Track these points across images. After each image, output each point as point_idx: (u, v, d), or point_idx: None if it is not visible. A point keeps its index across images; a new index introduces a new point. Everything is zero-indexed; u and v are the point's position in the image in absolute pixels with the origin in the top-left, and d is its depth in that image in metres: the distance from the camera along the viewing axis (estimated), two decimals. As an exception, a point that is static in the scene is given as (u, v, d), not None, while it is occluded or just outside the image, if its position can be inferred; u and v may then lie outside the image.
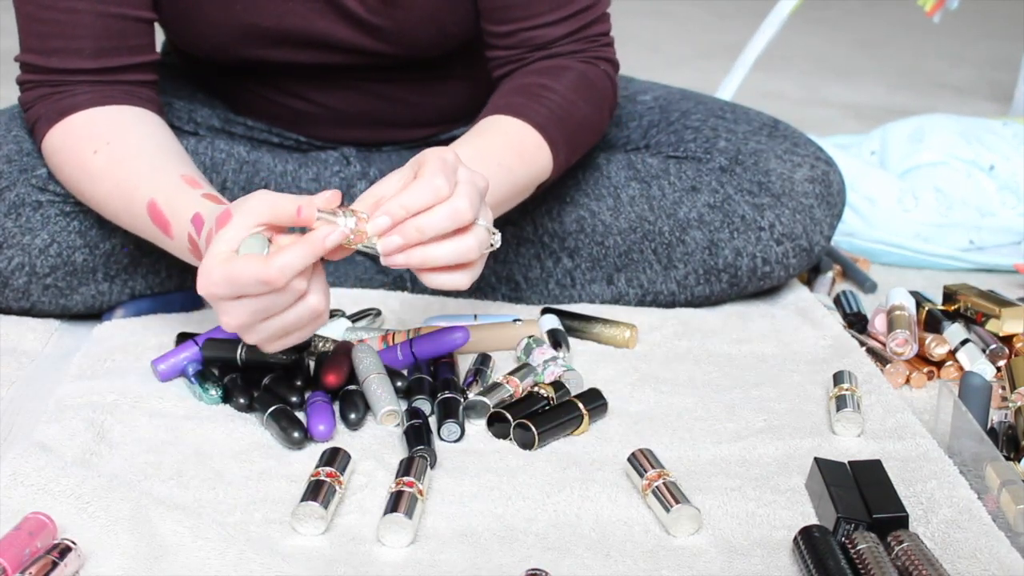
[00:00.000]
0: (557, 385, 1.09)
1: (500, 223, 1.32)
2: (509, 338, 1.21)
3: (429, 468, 0.97)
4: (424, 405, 1.07)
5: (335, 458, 0.95)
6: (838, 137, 1.95)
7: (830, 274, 1.49)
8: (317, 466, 0.94)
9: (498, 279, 1.34)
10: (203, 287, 0.95)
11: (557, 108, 1.17)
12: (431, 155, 0.98)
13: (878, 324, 1.32)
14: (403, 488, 0.91)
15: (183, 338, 1.17)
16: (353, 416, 1.05)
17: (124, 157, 1.11)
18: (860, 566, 0.84)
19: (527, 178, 1.15)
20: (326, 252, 0.95)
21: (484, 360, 1.16)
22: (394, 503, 0.90)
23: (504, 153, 1.12)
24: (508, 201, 1.14)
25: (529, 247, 1.33)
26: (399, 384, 1.10)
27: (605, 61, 1.24)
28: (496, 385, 1.10)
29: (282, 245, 0.95)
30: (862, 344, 1.27)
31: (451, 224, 0.95)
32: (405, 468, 0.94)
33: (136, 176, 1.09)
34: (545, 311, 1.28)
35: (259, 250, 0.94)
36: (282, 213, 0.96)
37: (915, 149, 1.71)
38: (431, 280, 0.98)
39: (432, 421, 1.05)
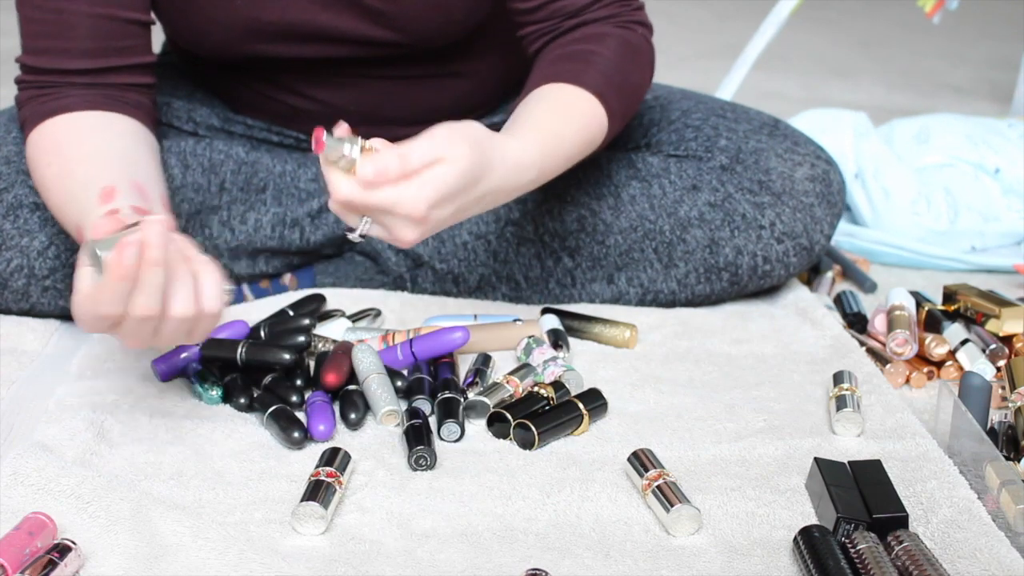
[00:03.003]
0: (557, 385, 1.09)
1: (502, 223, 1.33)
2: (509, 338, 1.21)
3: (426, 466, 0.97)
4: (424, 405, 1.07)
5: (335, 458, 0.95)
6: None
7: (830, 274, 1.49)
8: (317, 466, 0.94)
9: (498, 279, 1.34)
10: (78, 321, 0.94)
11: (613, 74, 1.16)
12: (425, 182, 0.96)
13: (878, 324, 1.32)
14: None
15: (183, 338, 1.17)
16: (353, 416, 1.05)
17: (64, 174, 1.10)
18: (860, 566, 0.84)
19: (578, 159, 1.14)
20: (137, 266, 0.89)
21: (484, 360, 1.16)
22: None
23: (574, 139, 1.11)
24: (557, 172, 1.13)
25: (529, 246, 1.32)
26: (399, 384, 1.10)
27: (640, 25, 1.23)
28: (496, 385, 1.10)
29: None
30: (862, 344, 1.27)
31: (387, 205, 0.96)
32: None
33: (66, 195, 1.08)
34: (545, 311, 1.28)
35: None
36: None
37: (921, 150, 1.70)
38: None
39: (432, 421, 1.05)
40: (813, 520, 0.94)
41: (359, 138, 0.96)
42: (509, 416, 1.04)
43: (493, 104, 1.39)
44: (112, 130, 1.15)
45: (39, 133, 1.15)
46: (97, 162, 1.10)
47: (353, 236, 0.99)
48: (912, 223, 1.62)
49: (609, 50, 1.17)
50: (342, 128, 0.97)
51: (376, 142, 0.97)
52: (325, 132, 0.95)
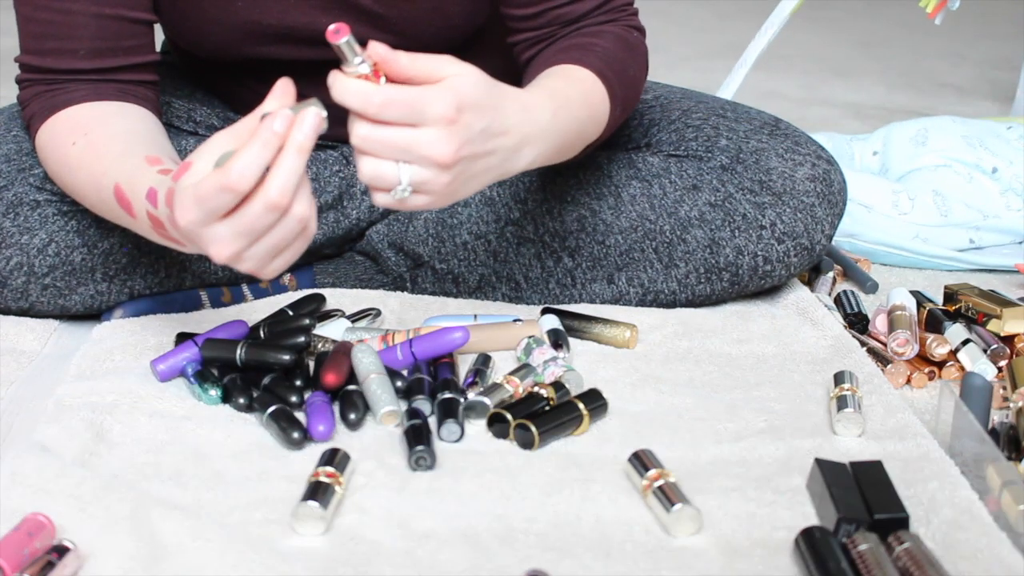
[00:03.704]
0: (557, 385, 1.09)
1: (502, 223, 1.32)
2: (509, 338, 1.21)
3: (426, 466, 0.97)
4: (424, 405, 1.07)
5: (335, 458, 0.95)
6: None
7: (831, 274, 1.49)
8: (317, 466, 0.94)
9: (498, 279, 1.34)
10: (179, 219, 0.92)
11: (612, 61, 1.16)
12: (445, 86, 0.93)
13: (879, 324, 1.32)
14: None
15: (183, 338, 1.17)
16: (353, 416, 1.05)
17: (97, 146, 1.10)
18: (861, 567, 0.84)
19: (590, 129, 1.14)
20: (280, 140, 0.91)
21: (484, 360, 1.16)
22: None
23: (581, 102, 1.10)
24: (564, 153, 1.11)
25: (530, 246, 1.32)
26: (399, 384, 1.10)
27: (636, 30, 1.24)
28: (496, 385, 1.09)
29: None
30: (863, 344, 1.27)
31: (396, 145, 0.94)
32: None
33: (105, 163, 1.08)
34: (545, 311, 1.28)
35: None
36: (240, 133, 0.93)
37: (918, 152, 1.70)
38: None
39: (432, 421, 1.05)
40: (814, 521, 0.93)
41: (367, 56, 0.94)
42: (509, 416, 1.04)
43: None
44: (133, 115, 1.15)
45: (55, 121, 1.14)
46: (128, 137, 1.10)
47: (391, 196, 0.96)
48: (902, 223, 1.62)
49: (607, 42, 1.18)
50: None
51: (376, 49, 0.95)
52: (350, 33, 0.92)
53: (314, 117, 0.92)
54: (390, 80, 0.95)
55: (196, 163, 0.93)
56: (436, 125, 0.94)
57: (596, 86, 1.13)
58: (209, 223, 0.92)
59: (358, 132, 0.94)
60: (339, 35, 0.92)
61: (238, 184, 0.89)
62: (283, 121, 0.91)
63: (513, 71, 1.27)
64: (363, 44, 0.95)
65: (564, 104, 1.08)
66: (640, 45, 1.23)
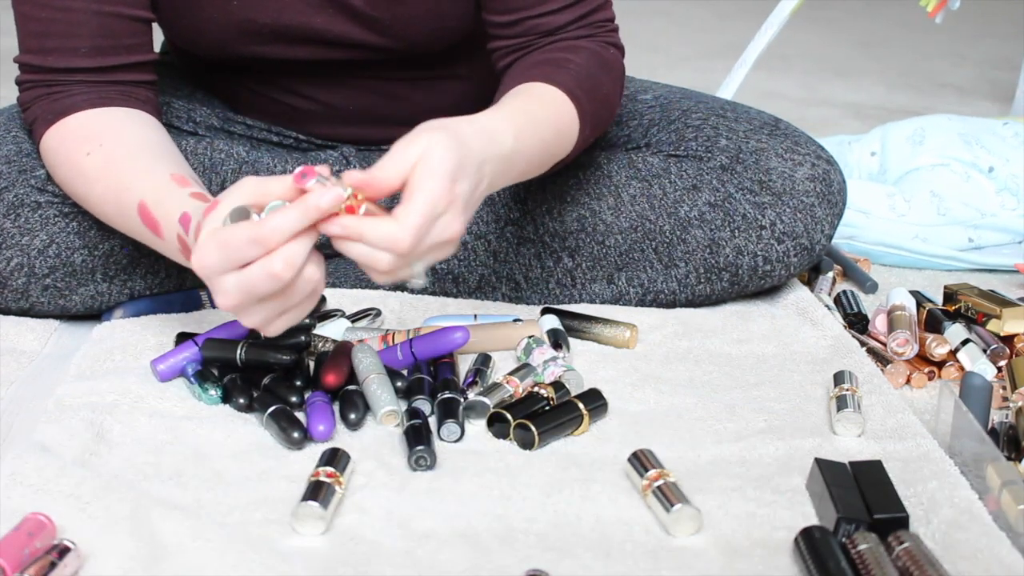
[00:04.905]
0: (557, 385, 1.09)
1: (502, 223, 1.32)
2: (509, 338, 1.21)
3: (426, 466, 0.97)
4: (424, 405, 1.07)
5: (335, 458, 0.95)
6: (838, 137, 1.95)
7: (831, 274, 1.49)
8: (317, 466, 0.94)
9: (498, 279, 1.34)
10: (197, 262, 0.92)
11: (584, 79, 1.16)
12: (429, 173, 0.93)
13: (879, 324, 1.32)
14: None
15: (183, 338, 1.17)
16: (353, 416, 1.05)
17: (116, 159, 1.11)
18: (861, 567, 0.84)
19: (556, 150, 1.14)
20: (321, 215, 0.91)
21: (484, 360, 1.16)
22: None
23: (547, 122, 1.11)
24: (528, 174, 1.12)
25: (530, 246, 1.32)
26: (399, 384, 1.10)
27: (613, 46, 1.24)
28: (496, 385, 1.09)
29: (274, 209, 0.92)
30: (863, 344, 1.27)
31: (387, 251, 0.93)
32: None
33: (127, 178, 1.09)
34: (545, 311, 1.28)
35: (246, 217, 0.92)
36: (270, 188, 0.93)
37: (915, 152, 1.70)
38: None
39: (432, 421, 1.05)
40: (814, 521, 0.93)
41: (334, 178, 0.93)
42: (509, 416, 1.04)
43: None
44: (140, 122, 1.15)
45: (63, 127, 1.14)
46: (145, 151, 1.11)
47: (418, 284, 0.98)
48: (900, 224, 1.62)
49: (581, 58, 1.18)
50: (321, 170, 0.93)
51: (352, 176, 0.93)
52: (316, 175, 0.92)
53: (332, 198, 0.91)
54: (367, 198, 0.94)
55: (222, 204, 0.94)
56: (445, 214, 0.95)
57: (566, 106, 1.14)
58: (224, 272, 0.92)
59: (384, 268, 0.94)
60: (307, 178, 0.92)
61: (268, 240, 0.90)
62: (332, 200, 0.91)
63: None
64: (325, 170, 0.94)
65: (528, 125, 1.08)
66: (616, 63, 1.23)
